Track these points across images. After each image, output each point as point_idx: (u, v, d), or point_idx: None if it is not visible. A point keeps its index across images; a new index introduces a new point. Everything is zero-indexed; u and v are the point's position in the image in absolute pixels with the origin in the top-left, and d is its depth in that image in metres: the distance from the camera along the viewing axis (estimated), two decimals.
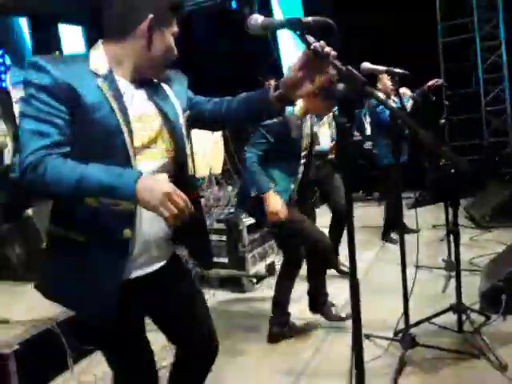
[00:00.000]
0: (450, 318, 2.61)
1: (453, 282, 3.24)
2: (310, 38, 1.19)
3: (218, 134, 5.13)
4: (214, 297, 3.52)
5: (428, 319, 2.58)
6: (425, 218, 4.62)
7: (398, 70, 2.34)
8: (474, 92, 7.01)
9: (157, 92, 1.34)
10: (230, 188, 4.30)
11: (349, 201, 1.15)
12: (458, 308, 2.56)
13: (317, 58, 1.18)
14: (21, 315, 2.56)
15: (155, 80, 1.37)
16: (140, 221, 1.27)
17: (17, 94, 5.61)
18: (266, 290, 3.59)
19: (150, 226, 1.30)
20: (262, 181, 2.52)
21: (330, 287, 2.95)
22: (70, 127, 1.18)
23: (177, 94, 1.39)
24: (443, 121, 3.39)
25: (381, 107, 3.88)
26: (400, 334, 2.46)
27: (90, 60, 1.24)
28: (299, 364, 2.50)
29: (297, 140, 2.58)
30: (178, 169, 1.36)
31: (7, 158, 5.33)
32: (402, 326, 2.46)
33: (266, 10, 7.86)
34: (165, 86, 1.38)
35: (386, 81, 4.01)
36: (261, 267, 3.74)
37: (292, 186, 2.66)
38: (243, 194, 2.80)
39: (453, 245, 2.65)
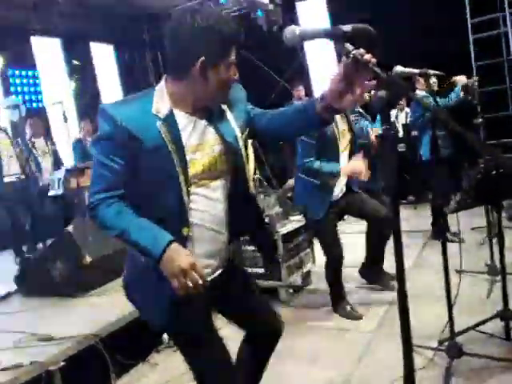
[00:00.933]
0: (497, 326, 2.52)
1: (497, 287, 3.15)
2: (349, 46, 1.18)
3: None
4: None
5: (474, 327, 2.49)
6: (461, 221, 4.47)
7: (431, 72, 2.29)
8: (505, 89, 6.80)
9: (217, 117, 1.45)
10: (261, 196, 4.28)
11: (396, 210, 1.12)
12: (505, 315, 2.47)
13: (356, 66, 1.20)
14: (64, 331, 2.59)
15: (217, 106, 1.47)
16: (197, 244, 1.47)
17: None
18: (303, 299, 3.56)
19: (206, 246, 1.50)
20: (330, 166, 2.93)
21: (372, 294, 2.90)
22: (127, 170, 1.35)
23: (236, 115, 1.49)
24: (480, 120, 3.29)
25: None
26: (445, 343, 2.39)
27: (154, 100, 1.37)
28: (342, 374, 2.46)
29: (333, 138, 2.94)
30: (238, 188, 1.50)
31: (47, 176, 5.54)
32: (446, 334, 2.39)
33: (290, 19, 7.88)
34: (225, 109, 1.48)
35: (423, 81, 3.93)
36: (297, 277, 3.71)
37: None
38: (298, 192, 3.26)
39: (496, 248, 2.56)
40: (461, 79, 3.93)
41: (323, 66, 7.82)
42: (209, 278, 1.49)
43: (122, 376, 2.67)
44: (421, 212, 5.91)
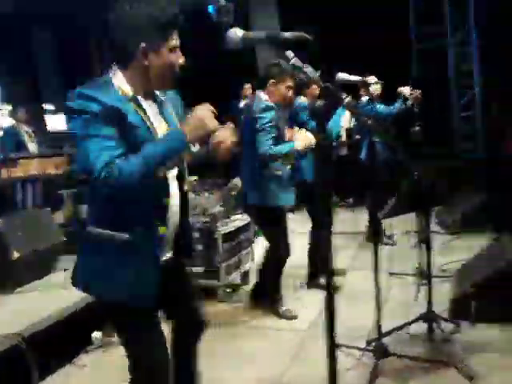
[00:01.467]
0: (422, 327, 2.64)
1: (424, 289, 3.31)
2: (290, 54, 1.19)
3: None
4: None
5: (399, 328, 2.61)
6: (395, 224, 4.67)
7: (372, 80, 2.35)
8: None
9: (163, 108, 1.57)
10: (205, 194, 4.25)
11: (329, 209, 1.14)
12: (428, 317, 2.60)
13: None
14: None
15: (161, 97, 1.58)
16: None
17: None
18: (241, 298, 3.58)
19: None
20: (287, 145, 2.93)
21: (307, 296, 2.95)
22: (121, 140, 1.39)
23: (175, 111, 1.62)
24: (417, 128, 3.43)
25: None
26: (372, 344, 2.48)
27: (115, 85, 1.45)
28: (274, 374, 2.49)
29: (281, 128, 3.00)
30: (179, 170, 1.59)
31: None
32: (374, 335, 2.48)
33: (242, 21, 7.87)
34: (168, 103, 1.60)
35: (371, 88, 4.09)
36: (236, 276, 3.72)
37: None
38: (253, 183, 3.13)
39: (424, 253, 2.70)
40: (404, 90, 4.11)
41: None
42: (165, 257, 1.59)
43: (46, 378, 2.54)
44: (358, 214, 6.12)
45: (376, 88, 3.79)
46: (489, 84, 6.95)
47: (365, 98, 4.13)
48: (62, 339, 2.68)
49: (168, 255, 1.61)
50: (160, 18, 1.41)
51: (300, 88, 3.25)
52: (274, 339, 2.93)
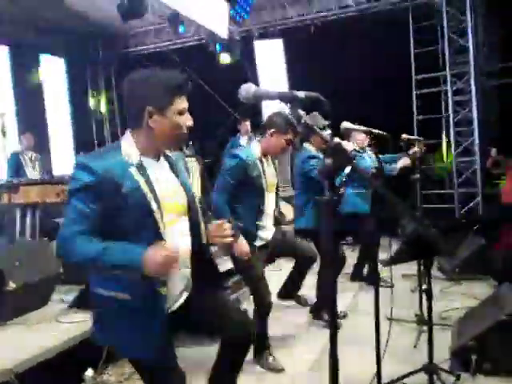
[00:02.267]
0: (422, 378, 2.59)
1: (424, 336, 3.26)
2: (301, 112, 1.21)
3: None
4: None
5: (400, 379, 2.56)
6: (394, 268, 4.63)
7: (377, 131, 2.39)
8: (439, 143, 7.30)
9: (174, 165, 1.71)
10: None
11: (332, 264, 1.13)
12: (430, 368, 2.56)
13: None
14: None
15: (172, 157, 1.73)
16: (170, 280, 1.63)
17: None
18: None
19: (175, 282, 1.68)
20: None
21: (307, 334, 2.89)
22: (100, 216, 1.50)
23: (185, 168, 1.79)
24: (417, 176, 3.47)
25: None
26: None
27: (122, 149, 1.57)
28: None
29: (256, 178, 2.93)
30: (193, 225, 1.74)
31: None
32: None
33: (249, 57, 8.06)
34: (180, 165, 1.74)
35: (358, 137, 4.22)
36: None
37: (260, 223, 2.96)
38: None
39: (424, 300, 2.67)
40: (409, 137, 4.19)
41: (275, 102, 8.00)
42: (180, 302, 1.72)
43: None
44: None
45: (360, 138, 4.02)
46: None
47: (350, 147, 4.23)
48: (55, 376, 2.62)
49: (185, 295, 1.74)
50: (166, 83, 1.54)
51: (307, 135, 3.27)
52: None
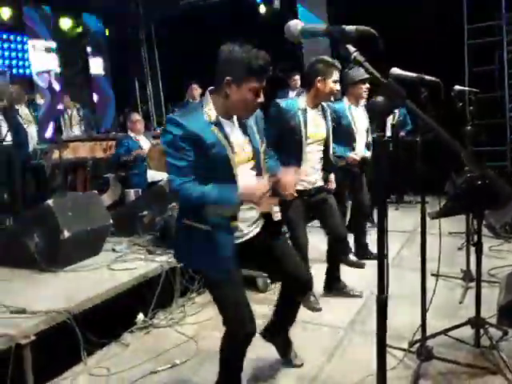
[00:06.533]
0: (468, 332, 2.56)
1: (470, 292, 3.21)
2: (351, 48, 1.16)
3: None
4: None
5: (445, 332, 2.54)
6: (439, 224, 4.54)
7: (428, 78, 2.27)
8: (499, 97, 6.86)
9: (246, 126, 2.02)
10: None
11: (384, 211, 1.12)
12: (476, 322, 2.52)
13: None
14: (36, 305, 2.57)
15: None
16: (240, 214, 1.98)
17: (40, 81, 5.69)
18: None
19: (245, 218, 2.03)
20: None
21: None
22: (195, 161, 1.85)
23: (258, 129, 2.08)
24: (469, 127, 3.30)
25: None
26: (416, 345, 2.43)
27: (204, 110, 1.89)
28: (312, 369, 2.49)
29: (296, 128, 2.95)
30: (257, 172, 2.06)
31: (31, 146, 5.39)
32: (418, 336, 2.43)
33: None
34: (251, 122, 2.04)
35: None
36: None
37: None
38: None
39: (472, 256, 2.60)
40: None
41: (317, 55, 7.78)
42: (248, 237, 2.06)
43: (93, 354, 2.65)
44: (403, 212, 6.00)
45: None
46: None
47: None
48: (108, 318, 2.78)
49: (255, 231, 2.09)
50: (249, 63, 1.80)
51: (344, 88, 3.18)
52: (311, 333, 2.93)
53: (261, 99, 1.89)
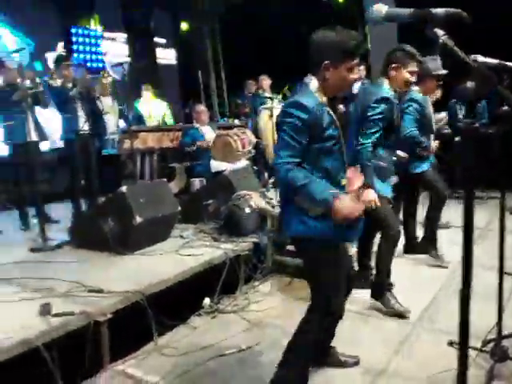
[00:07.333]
0: None
1: None
2: (439, 32, 1.12)
3: None
4: (290, 285, 3.54)
5: None
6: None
7: (511, 65, 2.13)
8: None
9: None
10: None
11: (470, 205, 1.08)
12: None
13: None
14: (112, 286, 2.71)
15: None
16: None
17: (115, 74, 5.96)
18: None
19: None
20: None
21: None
22: (306, 146, 1.90)
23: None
24: None
25: None
26: (489, 345, 2.32)
27: (315, 93, 1.94)
28: (378, 364, 2.45)
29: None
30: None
31: (108, 135, 5.68)
32: (492, 336, 2.32)
33: None
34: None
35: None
36: None
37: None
38: None
39: None
40: None
41: (383, 42, 7.53)
42: None
43: (164, 335, 2.76)
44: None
45: None
46: None
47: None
48: (178, 301, 2.89)
49: None
50: (344, 44, 1.86)
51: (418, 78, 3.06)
52: (376, 327, 2.88)
53: (356, 75, 1.96)
